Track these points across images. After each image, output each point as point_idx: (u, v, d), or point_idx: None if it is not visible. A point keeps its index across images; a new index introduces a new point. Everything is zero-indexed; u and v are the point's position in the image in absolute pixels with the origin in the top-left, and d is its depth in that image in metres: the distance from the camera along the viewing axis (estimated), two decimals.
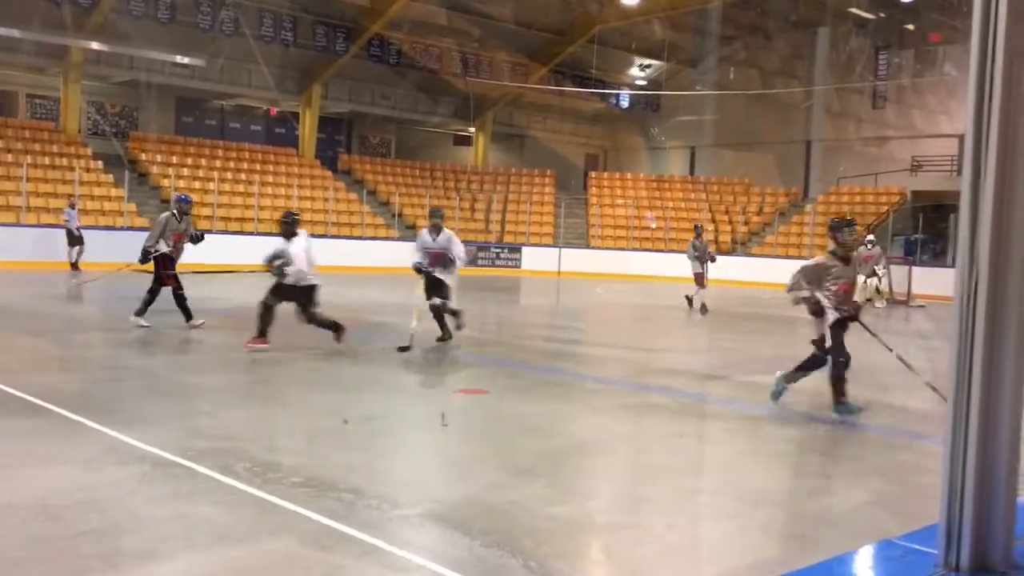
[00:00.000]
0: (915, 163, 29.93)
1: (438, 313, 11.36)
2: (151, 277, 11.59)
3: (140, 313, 11.39)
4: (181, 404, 7.38)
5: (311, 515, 4.49)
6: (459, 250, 11.37)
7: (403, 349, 10.27)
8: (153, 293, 11.46)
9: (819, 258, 7.96)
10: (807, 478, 5.99)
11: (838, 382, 7.55)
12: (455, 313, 11.43)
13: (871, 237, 22.50)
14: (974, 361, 1.22)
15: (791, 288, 7.85)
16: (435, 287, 11.27)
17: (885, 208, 29.93)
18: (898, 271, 23.02)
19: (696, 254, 18.05)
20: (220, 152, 29.81)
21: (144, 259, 11.58)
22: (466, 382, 9.11)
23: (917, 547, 1.30)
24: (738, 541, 4.55)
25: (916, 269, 23.04)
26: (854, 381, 7.94)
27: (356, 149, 35.53)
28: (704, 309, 17.81)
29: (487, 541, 4.26)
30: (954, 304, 1.23)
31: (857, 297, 22.09)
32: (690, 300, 18.29)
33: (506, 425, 7.17)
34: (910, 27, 30.65)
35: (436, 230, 11.32)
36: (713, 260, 18.17)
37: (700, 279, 17.99)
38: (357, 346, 10.78)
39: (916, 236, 27.32)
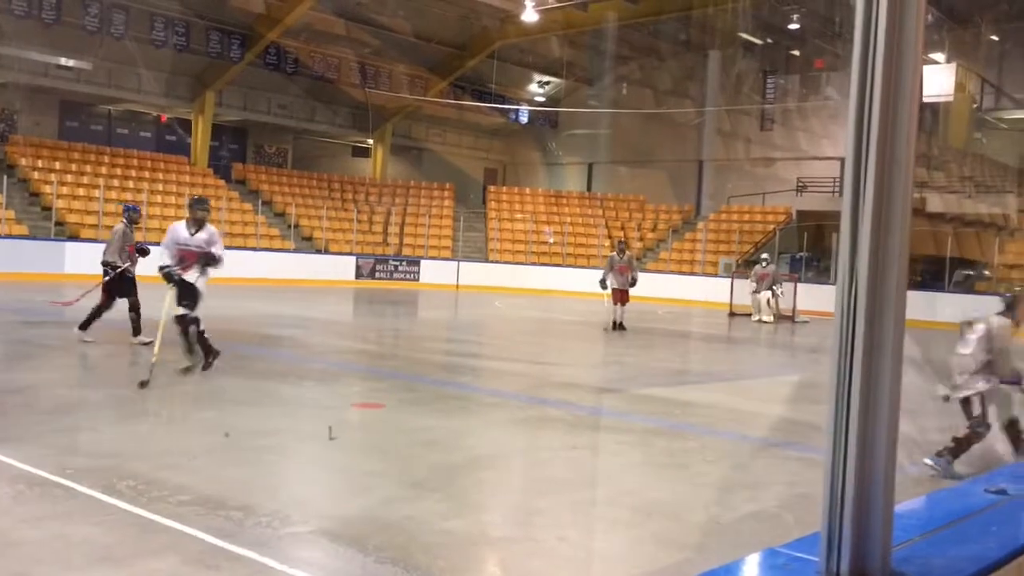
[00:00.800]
0: (800, 184, 31.09)
1: (185, 328, 9.19)
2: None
3: (84, 327, 10.89)
4: (60, 420, 7.06)
5: (198, 534, 4.35)
6: (221, 251, 9.55)
7: (143, 384, 8.31)
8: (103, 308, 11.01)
9: (996, 321, 6.89)
10: (700, 489, 6.12)
11: (967, 444, 6.71)
12: (200, 333, 9.19)
13: (765, 255, 23.25)
14: (853, 374, 1.26)
15: (1009, 377, 6.76)
16: (185, 294, 9.17)
17: (772, 227, 30.99)
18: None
19: (613, 271, 17.35)
20: (107, 158, 28.71)
21: (110, 273, 11.13)
22: (362, 396, 9.00)
23: (800, 555, 1.33)
24: (631, 552, 4.62)
25: (801, 286, 23.90)
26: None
27: (251, 159, 34.77)
28: (617, 327, 17.06)
29: (381, 557, 4.20)
30: (834, 319, 1.28)
31: (754, 315, 22.54)
32: (616, 325, 17.16)
33: (402, 439, 7.11)
34: (796, 53, 31.90)
35: (197, 224, 9.47)
36: (633, 283, 17.42)
37: (620, 296, 17.27)
38: (250, 359, 10.52)
39: (801, 254, 28.35)
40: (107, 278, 11.11)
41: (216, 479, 5.47)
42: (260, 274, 25.72)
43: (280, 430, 7.12)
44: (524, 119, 37.83)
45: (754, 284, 22.22)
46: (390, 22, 30.24)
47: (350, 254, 29.92)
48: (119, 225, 11.56)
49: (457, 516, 5.01)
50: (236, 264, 26.82)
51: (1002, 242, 24.64)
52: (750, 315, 22.19)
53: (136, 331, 11.00)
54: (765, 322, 21.57)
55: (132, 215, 11.73)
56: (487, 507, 5.42)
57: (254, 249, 27.67)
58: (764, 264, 22.47)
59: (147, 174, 28.68)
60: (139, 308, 11.12)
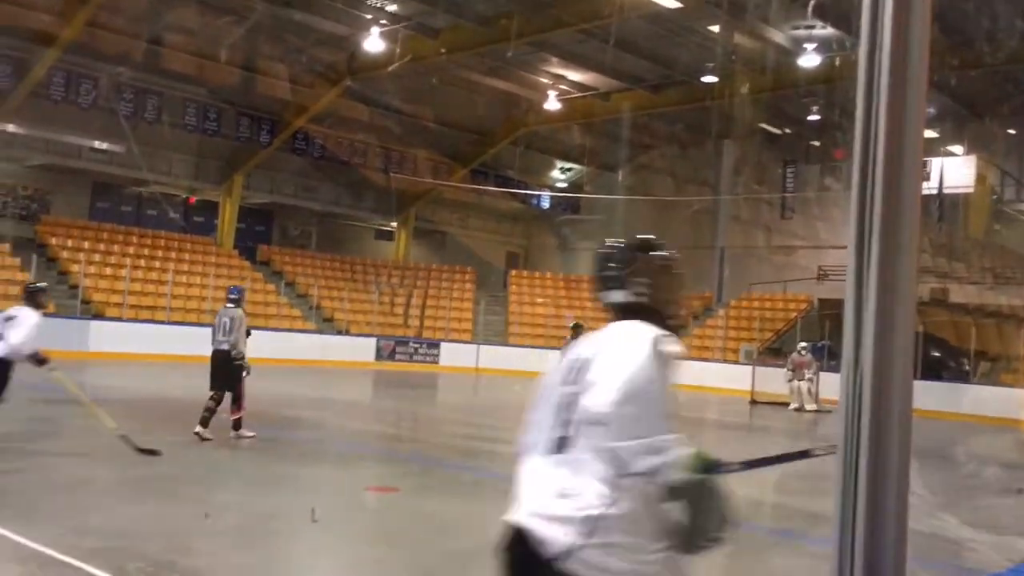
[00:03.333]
0: (821, 272, 31.07)
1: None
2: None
3: None
4: (71, 498, 7.03)
5: None
6: (16, 337, 8.50)
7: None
8: None
9: None
10: None
11: None
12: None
13: (804, 344, 23.10)
14: (860, 466, 1.25)
15: None
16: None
17: (793, 314, 30.87)
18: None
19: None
20: (135, 239, 29.21)
21: (242, 362, 10.52)
22: (377, 479, 8.92)
23: None
24: None
25: (823, 374, 23.66)
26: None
27: (276, 240, 35.27)
28: None
29: None
30: (840, 409, 1.27)
31: (793, 404, 22.10)
32: None
33: (415, 525, 7.01)
34: (816, 143, 32.24)
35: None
36: None
37: None
38: (269, 441, 10.48)
39: (823, 342, 28.15)
40: (245, 373, 10.42)
41: (225, 563, 5.40)
42: (281, 355, 25.78)
43: (290, 513, 7.04)
44: (546, 204, 38.23)
45: (790, 372, 22.07)
46: (413, 110, 30.93)
47: (371, 335, 29.99)
48: (238, 310, 10.74)
49: None
50: (258, 344, 27.00)
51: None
52: (784, 403, 21.89)
53: (205, 422, 10.03)
54: (807, 411, 21.25)
55: (240, 295, 11.08)
56: None
57: (276, 329, 27.81)
58: (803, 352, 22.28)
59: (174, 255, 29.12)
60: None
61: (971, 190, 26.76)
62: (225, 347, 10.40)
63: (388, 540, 6.52)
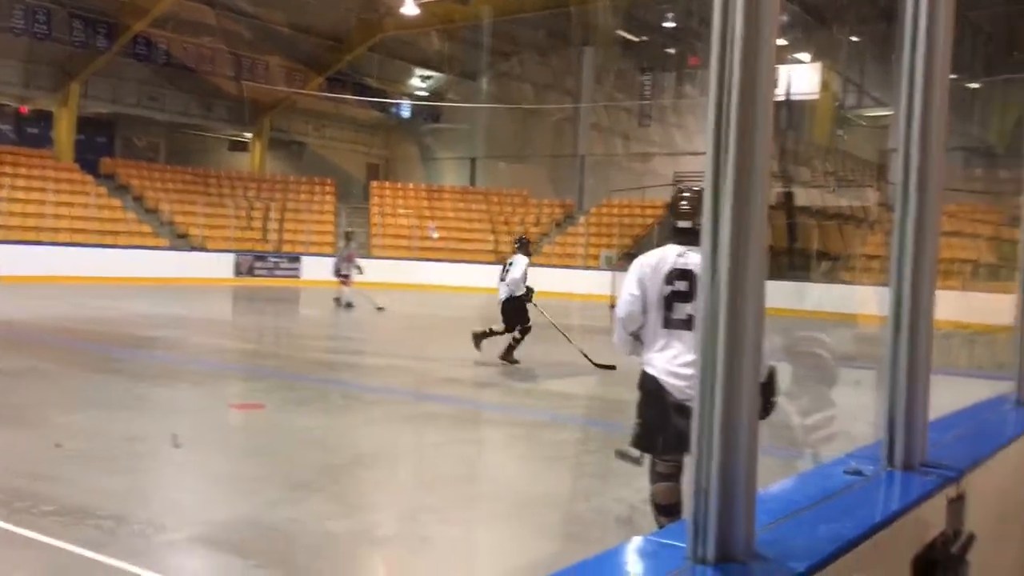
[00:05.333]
0: (677, 178, 31.95)
1: None
2: None
3: None
4: None
5: (65, 546, 4.15)
6: None
7: None
8: None
9: None
10: (583, 480, 6.21)
11: None
12: None
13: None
14: (718, 366, 1.30)
15: None
16: None
17: (651, 220, 31.73)
18: None
19: (343, 258, 19.71)
20: None
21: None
22: (241, 397, 8.77)
23: (669, 542, 1.37)
24: (514, 544, 4.66)
25: None
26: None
27: (120, 153, 33.37)
28: (348, 305, 19.27)
29: (262, 561, 4.11)
30: (700, 312, 1.31)
31: None
32: (342, 302, 19.46)
33: (283, 440, 6.96)
34: (671, 51, 32.71)
35: None
36: (360, 271, 19.60)
37: (347, 279, 19.51)
38: (121, 362, 10.11)
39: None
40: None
41: (85, 488, 5.23)
42: (131, 273, 24.72)
43: (153, 435, 6.87)
44: (406, 114, 37.55)
45: None
46: (263, 13, 29.49)
47: (228, 251, 29.09)
48: (522, 257, 11.40)
49: (341, 517, 4.95)
50: (104, 263, 25.83)
51: (863, 234, 25.92)
52: None
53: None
54: None
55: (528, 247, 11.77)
56: (372, 506, 5.37)
57: (124, 247, 26.57)
58: None
59: (8, 168, 27.14)
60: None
61: (816, 97, 27.89)
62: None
63: (258, 456, 6.47)
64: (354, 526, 4.81)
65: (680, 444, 3.74)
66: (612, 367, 9.34)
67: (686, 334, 3.78)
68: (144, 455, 6.23)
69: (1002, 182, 24.07)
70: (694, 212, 3.84)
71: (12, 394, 8.20)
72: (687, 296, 3.78)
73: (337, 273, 19.65)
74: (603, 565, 1.36)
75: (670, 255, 3.91)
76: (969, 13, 22.04)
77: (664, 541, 1.37)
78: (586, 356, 10.20)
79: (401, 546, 4.55)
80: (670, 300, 3.84)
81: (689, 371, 3.70)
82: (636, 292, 3.92)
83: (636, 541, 1.39)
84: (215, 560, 4.19)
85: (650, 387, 3.94)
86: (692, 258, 3.77)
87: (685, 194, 4.04)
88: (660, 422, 3.92)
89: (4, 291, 12.19)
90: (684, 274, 3.80)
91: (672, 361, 3.85)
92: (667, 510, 4.00)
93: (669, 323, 3.85)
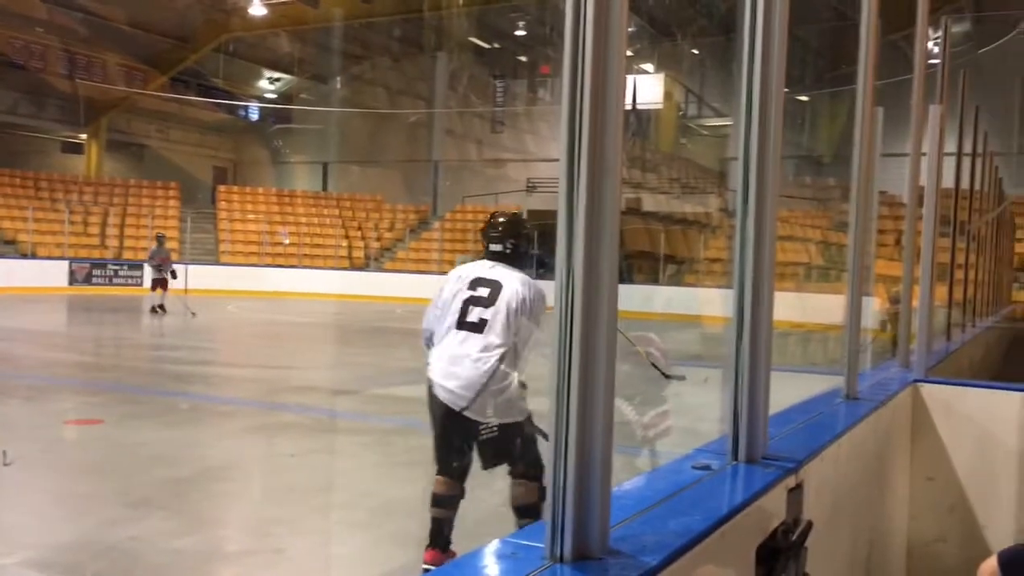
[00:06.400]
0: (530, 184, 32.41)
1: None
2: None
3: None
4: None
5: None
6: None
7: None
8: None
9: None
10: None
11: None
12: None
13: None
14: (572, 366, 1.32)
15: None
16: None
17: None
18: None
19: (156, 262, 19.51)
20: None
21: None
22: (77, 412, 8.30)
23: (527, 543, 1.38)
24: (370, 553, 4.60)
25: (543, 282, 24.84)
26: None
27: None
28: (163, 310, 19.09)
29: None
30: (554, 315, 1.33)
31: None
32: (157, 308, 19.17)
33: (124, 456, 6.63)
34: (523, 59, 33.20)
35: None
36: (174, 276, 19.48)
37: (163, 284, 19.35)
38: None
39: (533, 252, 29.55)
40: None
41: None
42: None
43: None
44: (255, 116, 36.54)
45: None
46: (99, 8, 28.06)
47: (62, 258, 27.49)
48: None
49: (188, 533, 4.75)
50: None
51: (706, 239, 27.04)
52: None
53: None
54: None
55: None
56: (221, 521, 5.19)
57: None
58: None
59: None
60: None
61: (660, 106, 28.91)
62: None
63: (96, 473, 6.13)
64: (202, 542, 4.63)
65: (450, 455, 4.26)
66: (682, 377, 9.08)
67: (473, 336, 4.03)
68: None
69: (830, 189, 25.67)
70: (504, 236, 4.26)
71: None
72: (486, 302, 4.07)
73: (155, 277, 19.47)
74: (462, 569, 1.36)
75: (481, 267, 4.24)
76: (798, 29, 23.37)
77: (522, 542, 1.38)
78: (656, 367, 9.60)
79: (254, 560, 4.41)
80: (468, 303, 4.10)
81: (460, 371, 4.00)
82: (439, 299, 4.22)
83: (494, 544, 1.40)
84: None
85: (428, 390, 4.19)
86: (500, 272, 4.14)
87: (499, 219, 4.41)
88: (436, 430, 4.30)
89: None
90: (489, 283, 4.13)
91: (447, 362, 4.07)
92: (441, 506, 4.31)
93: (462, 325, 4.08)
